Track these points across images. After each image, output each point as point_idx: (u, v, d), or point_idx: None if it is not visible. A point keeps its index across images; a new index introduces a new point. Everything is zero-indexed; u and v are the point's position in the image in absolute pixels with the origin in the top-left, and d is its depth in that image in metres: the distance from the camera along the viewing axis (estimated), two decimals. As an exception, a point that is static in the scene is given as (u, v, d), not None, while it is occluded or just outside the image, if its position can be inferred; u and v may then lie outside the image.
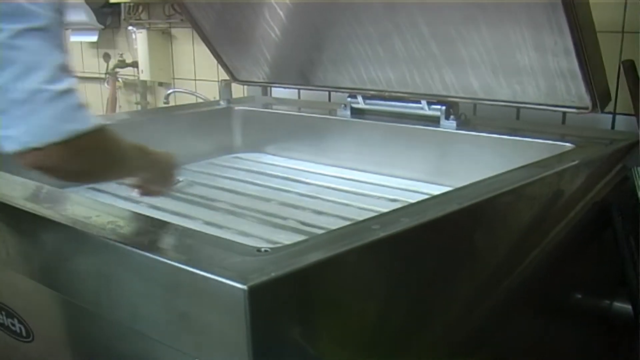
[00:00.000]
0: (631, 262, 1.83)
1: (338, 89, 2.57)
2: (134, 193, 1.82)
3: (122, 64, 3.93)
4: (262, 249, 1.15)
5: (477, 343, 1.52)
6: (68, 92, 1.24)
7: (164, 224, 1.34)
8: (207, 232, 1.37)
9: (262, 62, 2.70)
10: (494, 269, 1.51)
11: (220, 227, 1.87)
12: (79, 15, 3.89)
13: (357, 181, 2.33)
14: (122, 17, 3.92)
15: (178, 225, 1.37)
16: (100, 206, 1.46)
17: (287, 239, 1.68)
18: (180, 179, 2.28)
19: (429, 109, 2.27)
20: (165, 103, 3.54)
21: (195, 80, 3.65)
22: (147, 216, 1.41)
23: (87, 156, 1.30)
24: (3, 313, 1.57)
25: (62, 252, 1.35)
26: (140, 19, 3.81)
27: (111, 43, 4.12)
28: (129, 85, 4.07)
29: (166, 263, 1.12)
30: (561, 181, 1.71)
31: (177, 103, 3.54)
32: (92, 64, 4.29)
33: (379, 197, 2.14)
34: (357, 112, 2.49)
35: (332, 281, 1.16)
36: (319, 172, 2.45)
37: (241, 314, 1.00)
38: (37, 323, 1.52)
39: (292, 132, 2.67)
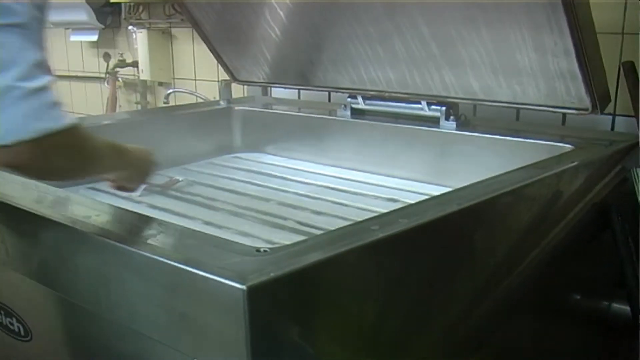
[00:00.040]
0: (630, 263, 1.83)
1: (338, 89, 2.57)
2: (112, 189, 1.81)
3: (122, 64, 3.94)
4: (262, 249, 1.15)
5: (476, 344, 1.52)
6: (42, 89, 1.22)
7: (163, 224, 1.34)
8: (207, 232, 1.37)
9: (262, 62, 2.70)
10: (493, 270, 1.51)
11: (219, 227, 1.87)
12: (80, 14, 3.89)
13: (357, 181, 2.33)
14: (123, 16, 3.93)
15: (177, 225, 1.37)
16: (99, 206, 1.46)
17: (286, 239, 1.68)
18: (180, 179, 2.29)
19: (429, 109, 2.27)
20: (165, 103, 3.55)
21: (195, 80, 3.65)
22: (147, 216, 1.41)
23: (58, 155, 1.29)
24: (2, 312, 1.57)
25: (61, 252, 1.35)
26: (140, 19, 3.81)
27: (111, 43, 4.12)
28: (129, 84, 4.07)
29: (165, 263, 1.12)
30: (560, 182, 1.71)
31: (177, 103, 3.54)
32: (93, 64, 4.29)
33: (379, 198, 2.14)
34: (357, 113, 2.50)
35: (332, 281, 1.16)
36: (318, 172, 2.45)
37: (240, 314, 1.00)
38: (36, 322, 1.52)
39: (292, 132, 2.68)
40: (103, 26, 3.97)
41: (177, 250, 1.18)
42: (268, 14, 2.48)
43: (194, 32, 2.93)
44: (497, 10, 1.90)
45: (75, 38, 4.25)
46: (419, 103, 2.29)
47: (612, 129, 2.22)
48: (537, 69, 1.95)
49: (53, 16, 4.06)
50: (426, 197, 1.61)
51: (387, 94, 2.38)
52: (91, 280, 1.29)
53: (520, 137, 2.08)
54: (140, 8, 3.80)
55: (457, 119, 2.22)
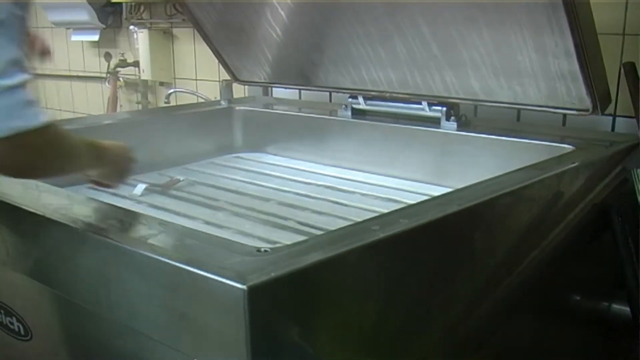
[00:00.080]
0: (630, 264, 1.83)
1: (339, 89, 2.57)
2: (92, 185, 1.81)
3: (124, 64, 3.94)
4: (262, 249, 1.15)
5: (476, 344, 1.52)
6: (17, 87, 1.21)
7: (164, 224, 1.35)
8: (207, 231, 1.37)
9: (263, 62, 2.70)
10: (493, 270, 1.51)
11: (220, 226, 1.88)
12: (81, 14, 3.90)
13: (358, 182, 2.33)
14: (124, 16, 3.93)
15: (178, 224, 1.37)
16: (100, 205, 1.47)
17: (287, 239, 1.68)
18: (181, 179, 2.29)
19: (430, 110, 2.27)
20: (166, 103, 3.55)
21: (196, 80, 3.65)
22: (147, 215, 1.42)
23: (32, 153, 1.28)
24: (2, 312, 1.57)
25: (61, 251, 1.35)
26: (141, 19, 3.81)
27: (112, 42, 4.12)
28: (130, 84, 4.07)
29: (166, 262, 1.12)
30: (561, 183, 1.71)
31: (178, 103, 3.54)
32: (94, 64, 4.29)
33: (379, 198, 2.14)
34: (357, 113, 2.50)
35: (332, 281, 1.16)
36: (319, 173, 2.45)
37: (240, 314, 1.00)
38: (36, 322, 1.52)
39: (293, 133, 2.68)
40: (104, 26, 3.97)
41: (177, 250, 1.18)
42: (269, 14, 2.48)
43: (195, 32, 2.93)
44: (498, 10, 1.90)
45: (76, 38, 4.25)
46: (420, 103, 2.29)
47: (613, 129, 2.22)
48: (537, 70, 1.95)
49: (54, 16, 4.08)
50: (427, 197, 1.62)
51: (388, 95, 2.38)
52: (91, 280, 1.29)
53: (521, 137, 2.08)
54: (142, 8, 3.80)
55: (458, 120, 2.22)
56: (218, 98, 2.95)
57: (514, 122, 2.37)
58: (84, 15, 3.89)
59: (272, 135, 2.74)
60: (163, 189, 2.21)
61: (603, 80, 1.94)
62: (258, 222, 1.92)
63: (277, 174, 2.45)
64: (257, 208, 2.03)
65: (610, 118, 2.21)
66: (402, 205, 1.55)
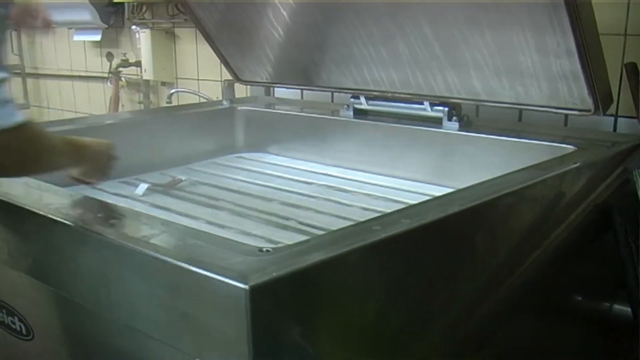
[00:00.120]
0: (631, 264, 1.83)
1: (341, 89, 2.57)
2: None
3: (125, 64, 3.94)
4: (264, 249, 1.15)
5: (477, 344, 1.52)
6: None
7: (166, 223, 1.35)
8: (209, 231, 1.37)
9: (265, 63, 2.70)
10: (494, 271, 1.51)
11: (222, 226, 1.88)
12: (83, 14, 3.90)
13: (359, 182, 2.33)
14: (126, 16, 3.93)
15: (180, 224, 1.37)
16: (101, 205, 1.47)
17: (288, 238, 1.68)
18: (183, 178, 2.29)
19: (432, 110, 2.27)
20: (168, 103, 3.55)
21: (198, 80, 3.65)
22: (149, 215, 1.42)
23: (8, 152, 1.28)
24: (3, 311, 1.57)
25: (63, 251, 1.35)
26: (143, 19, 3.81)
27: (114, 42, 4.12)
28: (132, 84, 4.08)
29: (168, 262, 1.12)
30: (562, 183, 1.71)
31: (180, 103, 3.54)
32: (95, 63, 4.30)
33: (381, 198, 2.14)
34: (359, 113, 2.50)
35: (333, 281, 1.17)
36: (321, 172, 2.45)
37: (242, 313, 1.01)
38: (38, 321, 1.52)
39: (295, 132, 2.68)
40: (106, 26, 3.98)
41: (179, 249, 1.18)
42: (271, 14, 2.48)
43: (197, 32, 2.94)
44: (499, 11, 1.90)
45: (78, 38, 4.26)
46: (422, 103, 2.29)
47: (615, 130, 2.22)
48: (539, 70, 1.95)
49: (56, 16, 4.06)
50: (428, 197, 1.62)
51: (390, 95, 2.38)
52: (93, 280, 1.29)
53: (523, 138, 2.08)
54: (144, 8, 3.80)
55: (460, 120, 2.22)
56: (220, 98, 2.95)
57: (515, 122, 2.37)
58: (86, 15, 3.89)
59: (274, 135, 2.74)
60: (165, 189, 2.22)
61: (605, 80, 1.94)
62: (260, 222, 1.92)
63: (279, 174, 2.45)
64: (259, 208, 2.04)
65: (612, 118, 2.21)
66: (403, 206, 1.55)
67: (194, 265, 1.08)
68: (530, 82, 2.00)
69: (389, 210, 1.45)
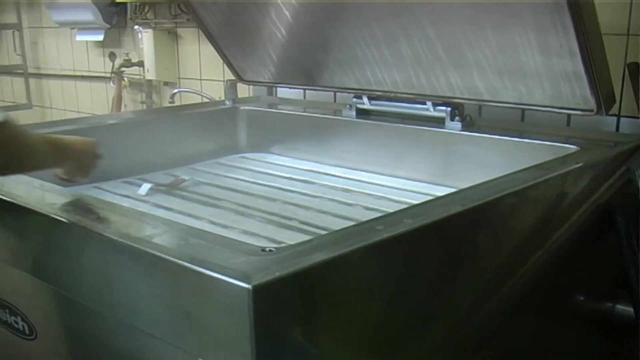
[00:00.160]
0: (633, 264, 1.83)
1: (344, 89, 2.57)
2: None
3: (128, 63, 3.95)
4: (267, 249, 1.15)
5: (480, 344, 1.52)
6: None
7: (168, 223, 1.35)
8: (212, 231, 1.38)
9: (268, 62, 2.70)
10: (497, 271, 1.51)
11: (225, 226, 1.88)
12: (86, 14, 3.91)
13: (362, 181, 2.33)
14: (128, 16, 3.93)
15: (183, 224, 1.37)
16: (104, 205, 1.47)
17: (291, 238, 1.68)
18: (186, 178, 2.29)
19: (434, 110, 2.27)
20: (170, 102, 3.55)
21: (200, 80, 3.65)
22: (152, 215, 1.42)
23: None
24: (6, 311, 1.57)
25: (65, 251, 1.36)
26: (146, 19, 3.82)
27: (117, 42, 4.13)
28: (135, 84, 4.08)
29: (170, 262, 1.12)
30: (565, 183, 1.71)
31: (183, 103, 3.55)
32: (98, 63, 4.30)
33: (383, 198, 2.14)
34: (362, 113, 2.50)
35: (336, 281, 1.17)
36: (323, 172, 2.45)
37: (245, 313, 1.01)
38: (40, 321, 1.53)
39: (298, 132, 2.68)
40: (109, 26, 3.98)
41: (182, 249, 1.18)
42: (274, 14, 2.48)
43: (200, 32, 2.94)
44: (502, 11, 1.90)
45: (81, 38, 4.26)
46: (425, 103, 2.29)
47: (617, 130, 2.22)
48: (542, 70, 1.95)
49: (59, 16, 4.09)
50: (431, 197, 1.62)
51: (392, 95, 2.38)
52: (96, 279, 1.29)
53: (525, 138, 2.08)
54: (146, 8, 3.80)
55: (462, 120, 2.22)
56: (222, 98, 2.95)
57: (518, 122, 2.37)
58: (89, 15, 3.90)
59: (276, 135, 2.75)
60: (168, 189, 2.22)
61: (607, 80, 1.94)
62: (263, 222, 1.92)
63: (282, 174, 2.46)
64: (262, 208, 2.04)
65: (615, 118, 2.21)
66: (406, 206, 1.55)
67: (196, 265, 1.08)
68: (533, 82, 2.00)
69: (392, 210, 1.45)
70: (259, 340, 1.02)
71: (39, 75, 4.84)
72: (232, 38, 2.72)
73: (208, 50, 3.04)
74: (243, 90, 3.03)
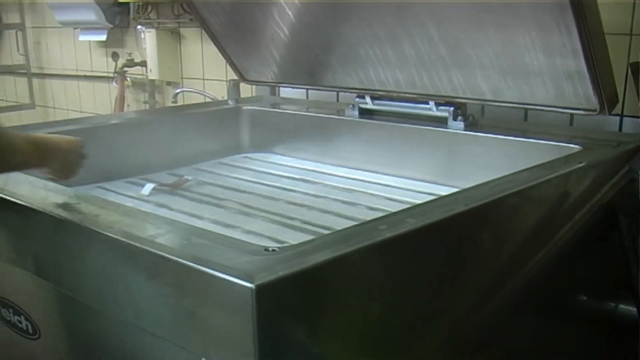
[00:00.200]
0: (636, 264, 1.83)
1: (346, 89, 2.57)
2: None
3: (131, 63, 3.95)
4: (270, 248, 1.16)
5: (482, 344, 1.52)
6: None
7: (171, 223, 1.35)
8: (215, 231, 1.38)
9: (270, 62, 2.70)
10: (499, 270, 1.51)
11: (228, 226, 1.88)
12: (88, 14, 3.91)
13: (365, 181, 2.33)
14: (131, 16, 3.94)
15: (186, 223, 1.37)
16: (108, 204, 1.47)
17: (294, 238, 1.69)
18: (189, 178, 2.29)
19: (437, 109, 2.27)
20: (173, 102, 3.55)
21: (203, 79, 3.65)
22: (155, 215, 1.42)
23: None
24: (10, 310, 1.57)
25: (69, 250, 1.36)
26: (149, 19, 3.82)
27: (120, 42, 4.13)
28: (138, 84, 4.08)
29: (173, 261, 1.12)
30: (568, 183, 1.71)
31: (185, 102, 3.55)
32: (101, 63, 4.30)
33: (386, 198, 2.14)
34: (365, 113, 2.50)
35: (339, 281, 1.17)
36: (326, 172, 2.46)
37: (248, 312, 1.01)
38: (44, 320, 1.53)
39: (301, 132, 2.68)
40: (112, 26, 3.98)
41: (185, 248, 1.18)
42: (277, 14, 2.48)
43: (203, 31, 2.94)
44: (505, 11, 1.90)
45: (83, 38, 4.26)
46: (427, 103, 2.29)
47: (620, 129, 2.22)
48: (545, 70, 1.95)
49: (62, 16, 4.09)
50: (433, 197, 1.62)
51: (395, 94, 2.38)
52: (99, 279, 1.29)
53: (528, 137, 2.08)
54: (149, 8, 3.80)
55: (465, 119, 2.22)
56: (225, 98, 2.95)
57: (521, 122, 2.37)
58: (92, 15, 3.90)
59: (279, 135, 2.75)
60: (171, 189, 2.22)
61: (610, 80, 1.94)
62: (266, 222, 1.92)
63: (285, 174, 2.46)
64: (265, 207, 2.04)
65: (618, 118, 2.21)
66: (408, 205, 1.55)
67: (199, 265, 1.09)
68: (536, 82, 2.00)
69: (394, 210, 1.45)
70: (262, 340, 1.02)
71: (42, 75, 4.84)
72: (234, 38, 2.72)
73: (211, 50, 3.04)
74: (246, 90, 3.03)
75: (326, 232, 1.69)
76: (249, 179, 2.39)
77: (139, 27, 3.79)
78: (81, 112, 4.53)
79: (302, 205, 2.07)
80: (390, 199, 2.13)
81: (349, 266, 1.18)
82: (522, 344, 1.66)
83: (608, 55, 1.92)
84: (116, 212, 1.39)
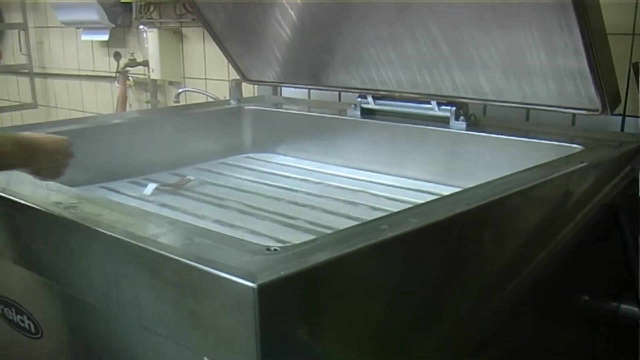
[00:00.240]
0: (638, 264, 1.83)
1: (348, 89, 2.57)
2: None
3: (133, 63, 3.95)
4: (272, 248, 1.16)
5: (484, 344, 1.52)
6: None
7: (173, 222, 1.35)
8: (217, 230, 1.38)
9: (272, 62, 2.70)
10: (501, 270, 1.51)
11: (230, 225, 1.88)
12: (91, 14, 3.91)
13: (367, 181, 2.33)
14: (134, 16, 3.93)
15: (188, 223, 1.38)
16: (110, 204, 1.47)
17: (296, 238, 1.68)
18: (192, 178, 2.29)
19: (439, 109, 2.27)
20: (175, 102, 3.55)
21: (205, 79, 3.65)
22: (157, 214, 1.42)
23: None
24: (13, 310, 1.58)
25: (71, 250, 1.36)
26: (151, 18, 3.82)
27: (122, 42, 4.13)
28: (140, 84, 4.08)
29: (176, 261, 1.12)
30: (569, 183, 1.71)
31: (188, 102, 3.55)
32: (103, 63, 4.30)
33: (388, 197, 2.14)
34: (367, 112, 2.50)
35: (340, 280, 1.17)
36: (328, 172, 2.46)
37: (250, 312, 1.01)
38: (46, 320, 1.53)
39: (303, 132, 2.68)
40: (114, 25, 3.98)
41: (187, 248, 1.18)
42: (279, 14, 2.48)
43: (205, 31, 2.94)
44: (507, 11, 1.90)
45: (86, 37, 4.27)
46: (429, 103, 2.29)
47: (622, 129, 2.22)
48: (547, 70, 1.95)
49: (64, 15, 4.10)
50: (435, 197, 1.62)
51: (397, 94, 2.38)
52: (101, 278, 1.29)
53: (530, 137, 2.08)
54: (151, 7, 3.80)
55: (467, 119, 2.22)
56: (227, 97, 2.95)
57: (523, 121, 2.37)
58: (94, 14, 3.90)
59: (281, 135, 2.75)
60: (173, 189, 2.22)
61: (612, 80, 1.94)
62: (268, 222, 1.92)
63: (287, 174, 2.46)
64: (267, 207, 2.04)
65: (620, 118, 2.21)
66: (410, 205, 1.55)
67: (202, 264, 1.09)
68: (538, 81, 2.00)
69: (396, 210, 1.45)
70: (263, 339, 1.02)
71: (45, 75, 4.84)
72: (237, 38, 2.72)
73: (213, 49, 3.04)
74: (248, 90, 3.03)
75: (328, 232, 1.69)
76: (251, 178, 2.40)
77: (141, 26, 3.79)
78: (83, 111, 4.53)
79: (304, 205, 2.07)
80: (392, 199, 2.13)
81: (350, 266, 1.18)
82: (523, 344, 1.66)
83: (610, 55, 1.92)
84: (118, 212, 1.39)
